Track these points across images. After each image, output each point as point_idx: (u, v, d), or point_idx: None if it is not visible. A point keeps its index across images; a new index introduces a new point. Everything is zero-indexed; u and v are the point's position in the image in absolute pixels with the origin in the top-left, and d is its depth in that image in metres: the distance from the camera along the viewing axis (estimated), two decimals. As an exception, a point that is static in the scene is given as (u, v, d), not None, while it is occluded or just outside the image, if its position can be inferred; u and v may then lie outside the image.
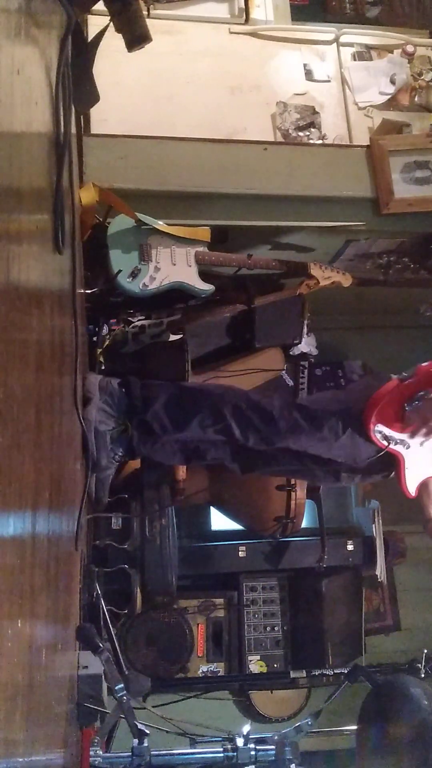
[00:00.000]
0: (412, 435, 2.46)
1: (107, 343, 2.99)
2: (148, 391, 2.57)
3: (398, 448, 2.46)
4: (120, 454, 2.57)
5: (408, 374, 2.45)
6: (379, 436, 2.43)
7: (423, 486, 2.55)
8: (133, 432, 2.54)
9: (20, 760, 1.04)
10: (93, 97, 2.47)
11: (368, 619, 3.75)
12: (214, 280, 3.08)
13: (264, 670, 3.55)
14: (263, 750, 2.11)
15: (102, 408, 2.50)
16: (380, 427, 2.43)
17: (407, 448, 2.47)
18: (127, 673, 2.25)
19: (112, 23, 2.19)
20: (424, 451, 2.50)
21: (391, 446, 2.44)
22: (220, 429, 2.55)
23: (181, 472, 3.00)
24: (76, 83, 2.03)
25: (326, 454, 2.52)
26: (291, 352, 3.57)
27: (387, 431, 2.44)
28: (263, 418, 2.52)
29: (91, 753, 2.04)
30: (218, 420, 2.53)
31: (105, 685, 2.16)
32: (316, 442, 2.52)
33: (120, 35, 2.18)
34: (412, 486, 2.51)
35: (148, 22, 2.21)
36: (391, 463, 2.54)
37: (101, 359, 2.96)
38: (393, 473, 2.58)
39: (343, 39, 3.43)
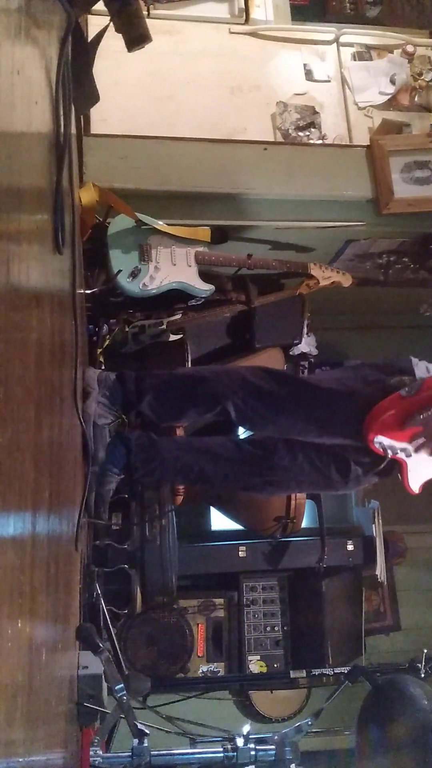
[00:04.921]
0: (414, 445, 2.44)
1: (107, 343, 2.99)
2: (141, 383, 2.56)
3: (400, 455, 2.44)
4: (119, 470, 2.57)
5: (411, 389, 2.40)
6: (378, 446, 2.41)
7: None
8: (133, 447, 2.54)
9: (20, 760, 1.04)
10: (93, 97, 2.46)
11: (368, 619, 3.75)
12: (214, 280, 3.08)
13: (264, 670, 3.55)
14: (263, 750, 2.11)
15: (101, 402, 2.50)
16: (380, 438, 2.40)
17: (409, 456, 2.45)
18: (127, 673, 2.25)
19: (112, 23, 2.19)
20: (426, 457, 2.49)
21: (391, 455, 2.43)
22: (217, 413, 2.54)
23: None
24: (76, 83, 2.03)
25: (326, 439, 2.51)
26: (291, 352, 3.57)
27: (387, 441, 2.41)
28: (260, 399, 2.50)
29: (91, 753, 2.04)
30: (214, 404, 2.53)
31: (105, 685, 2.16)
32: (316, 428, 2.50)
33: (120, 35, 2.18)
34: (416, 486, 2.51)
35: (148, 22, 2.21)
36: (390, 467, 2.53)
37: (101, 359, 2.96)
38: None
39: (343, 39, 3.43)
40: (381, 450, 2.41)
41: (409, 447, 2.43)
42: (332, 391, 2.52)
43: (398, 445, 2.43)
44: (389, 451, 2.41)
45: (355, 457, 2.54)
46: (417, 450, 2.42)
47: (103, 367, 2.89)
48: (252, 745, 2.11)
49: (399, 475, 2.51)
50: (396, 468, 2.52)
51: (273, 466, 2.57)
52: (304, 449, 2.57)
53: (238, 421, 2.54)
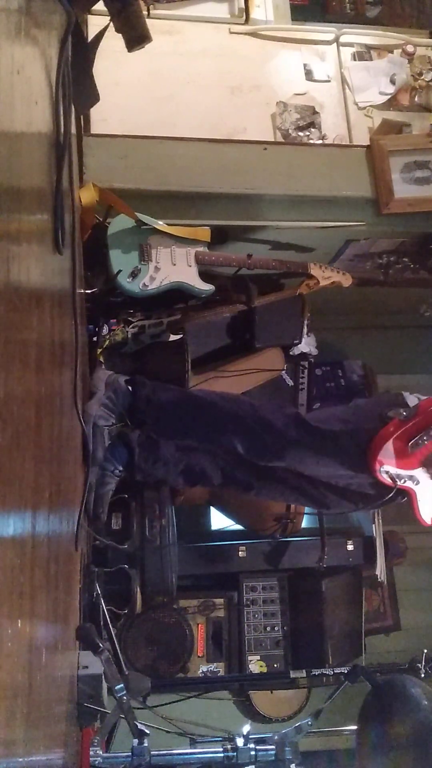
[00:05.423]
0: (421, 470, 2.44)
1: (107, 343, 2.99)
2: (154, 394, 2.55)
3: (408, 484, 2.44)
4: (120, 469, 2.56)
5: (409, 413, 2.41)
6: (385, 476, 2.40)
7: None
8: (135, 447, 2.53)
9: (20, 760, 1.04)
10: (93, 97, 2.47)
11: (368, 619, 3.75)
12: (214, 280, 3.08)
13: (264, 670, 3.54)
14: (263, 750, 2.11)
15: (104, 403, 2.49)
16: (386, 467, 2.40)
17: (417, 484, 2.45)
18: (127, 673, 2.25)
19: (112, 23, 2.19)
20: None
21: (400, 484, 2.42)
22: (223, 442, 2.54)
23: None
24: (76, 83, 2.03)
25: (333, 479, 2.51)
26: (291, 352, 3.56)
27: (393, 470, 2.41)
28: (269, 436, 2.49)
29: (91, 753, 2.04)
30: (222, 433, 2.52)
31: (105, 685, 2.16)
32: (322, 465, 2.50)
33: (120, 35, 2.18)
34: (427, 516, 2.50)
35: (148, 22, 2.21)
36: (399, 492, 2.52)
37: (101, 359, 2.96)
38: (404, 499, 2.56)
39: (343, 39, 3.43)
40: (389, 480, 2.40)
41: (417, 474, 2.43)
42: (338, 431, 2.52)
43: (405, 473, 2.42)
44: (397, 481, 2.41)
45: (358, 489, 2.54)
46: (425, 471, 2.43)
47: (103, 367, 2.89)
48: (252, 745, 2.11)
49: (410, 507, 2.49)
50: (400, 496, 2.51)
51: (272, 470, 2.57)
52: None
53: (246, 454, 2.52)
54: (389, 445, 2.40)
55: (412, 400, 2.51)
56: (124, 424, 2.62)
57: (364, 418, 2.52)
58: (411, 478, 2.43)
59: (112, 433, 2.56)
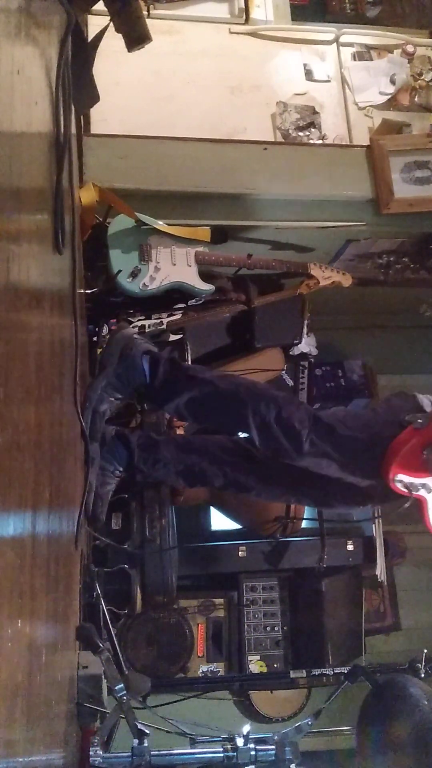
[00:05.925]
0: None
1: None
2: (172, 373, 2.49)
3: (422, 492, 2.42)
4: (120, 469, 2.55)
5: (424, 420, 2.39)
6: (400, 485, 2.38)
7: None
8: (134, 448, 2.51)
9: (20, 760, 1.04)
10: (93, 97, 2.47)
11: (368, 619, 3.75)
12: (214, 280, 3.08)
13: (264, 670, 3.54)
14: (263, 750, 2.11)
15: (111, 383, 2.45)
16: (400, 476, 2.37)
17: (430, 492, 2.43)
18: (127, 673, 2.24)
19: (112, 23, 2.19)
20: None
21: (414, 493, 2.41)
22: (240, 432, 2.52)
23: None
24: (76, 83, 2.03)
25: (347, 479, 2.50)
26: (291, 352, 3.56)
27: (407, 479, 2.38)
28: (289, 439, 2.46)
29: (91, 753, 2.04)
30: (239, 426, 2.50)
31: (105, 685, 2.16)
32: (334, 469, 2.48)
33: (120, 35, 2.18)
34: None
35: (148, 22, 2.21)
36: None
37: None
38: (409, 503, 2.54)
39: (343, 39, 3.43)
40: (404, 489, 2.37)
41: (430, 482, 2.42)
42: (358, 438, 2.48)
43: (418, 481, 2.39)
44: (412, 490, 2.39)
45: (363, 491, 2.53)
46: None
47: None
48: (252, 745, 2.11)
49: (420, 515, 2.48)
50: (402, 500, 2.50)
51: (273, 472, 2.56)
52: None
53: (261, 449, 2.49)
54: (404, 452, 2.37)
55: (426, 403, 2.49)
56: (127, 402, 2.58)
57: (384, 423, 2.48)
58: (424, 486, 2.41)
59: (112, 432, 2.54)
